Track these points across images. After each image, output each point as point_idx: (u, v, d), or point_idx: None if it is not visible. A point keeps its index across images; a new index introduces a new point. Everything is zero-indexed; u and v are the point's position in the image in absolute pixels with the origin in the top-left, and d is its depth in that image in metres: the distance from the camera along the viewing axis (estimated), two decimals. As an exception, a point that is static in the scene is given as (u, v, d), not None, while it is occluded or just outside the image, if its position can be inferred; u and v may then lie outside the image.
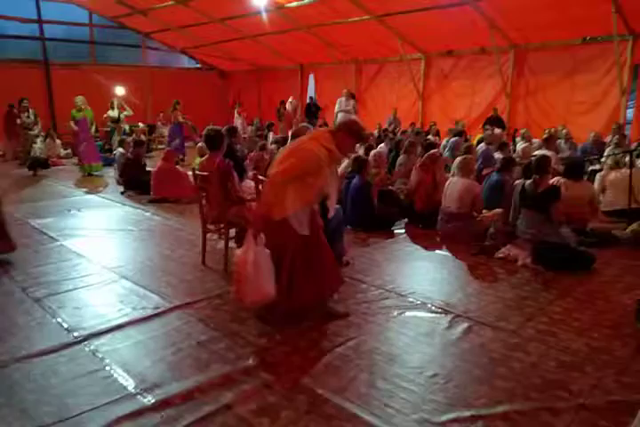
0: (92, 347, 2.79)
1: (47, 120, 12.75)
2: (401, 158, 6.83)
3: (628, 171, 5.31)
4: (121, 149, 8.19)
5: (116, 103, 11.23)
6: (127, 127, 11.58)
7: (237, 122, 13.52)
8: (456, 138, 7.86)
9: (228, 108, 16.39)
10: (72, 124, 9.01)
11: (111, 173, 8.71)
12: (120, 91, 12.17)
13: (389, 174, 6.77)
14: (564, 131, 9.47)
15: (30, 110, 10.43)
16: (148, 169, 7.57)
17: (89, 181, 8.60)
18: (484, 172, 5.83)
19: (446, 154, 7.32)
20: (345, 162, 5.93)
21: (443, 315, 3.19)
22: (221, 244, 4.12)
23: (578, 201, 4.68)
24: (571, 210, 4.53)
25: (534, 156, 6.49)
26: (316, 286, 3.03)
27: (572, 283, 3.78)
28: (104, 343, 2.83)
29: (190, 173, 4.55)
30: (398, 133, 10.52)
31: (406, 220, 5.52)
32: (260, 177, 3.80)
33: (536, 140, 8.75)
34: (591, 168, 6.85)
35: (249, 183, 4.45)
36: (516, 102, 11.23)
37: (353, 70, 13.77)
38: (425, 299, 3.43)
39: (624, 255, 4.38)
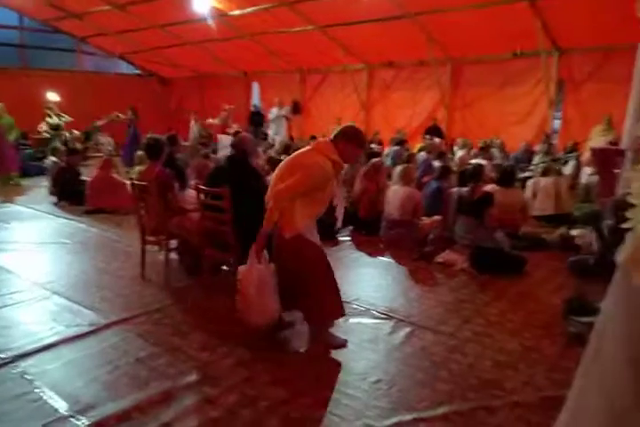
0: (19, 369, 2.61)
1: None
2: (345, 167, 6.92)
3: (556, 178, 5.69)
4: (53, 158, 7.79)
5: (53, 110, 10.75)
6: (67, 134, 11.09)
7: (194, 130, 13.08)
8: (398, 147, 8.08)
9: (169, 116, 16.02)
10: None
11: (44, 183, 8.26)
12: (53, 97, 11.61)
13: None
14: (498, 140, 9.99)
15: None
16: (83, 178, 7.24)
17: (15, 191, 8.10)
18: (424, 179, 6.03)
19: (389, 163, 7.51)
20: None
21: (386, 320, 3.25)
22: (161, 256, 4.00)
23: (510, 207, 4.94)
24: (504, 216, 4.77)
25: (469, 164, 6.80)
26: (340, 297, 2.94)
27: (505, 285, 3.97)
28: (33, 364, 2.66)
29: (128, 182, 4.41)
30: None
31: (351, 227, 5.60)
32: (202, 186, 3.73)
33: (472, 149, 9.17)
34: (522, 175, 7.26)
35: (191, 193, 4.35)
36: (454, 113, 11.73)
37: (297, 79, 13.88)
38: (369, 305, 3.49)
39: (553, 258, 4.65)
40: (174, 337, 3.00)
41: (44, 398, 2.35)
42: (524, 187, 6.29)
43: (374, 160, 6.01)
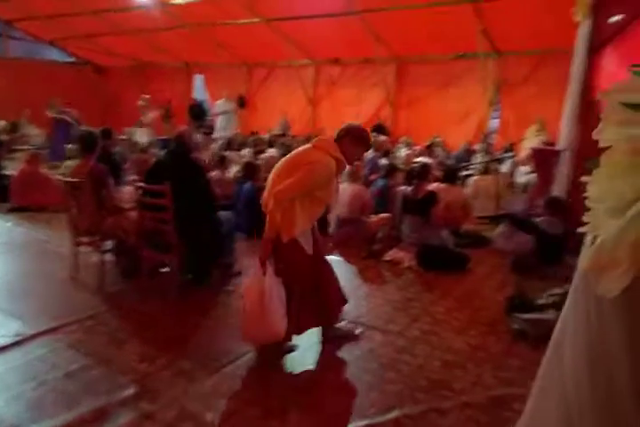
0: None
1: None
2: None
3: (494, 177, 5.86)
4: (-26, 151, 7.14)
5: None
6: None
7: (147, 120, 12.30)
8: (344, 144, 8.04)
9: (104, 107, 15.21)
10: None
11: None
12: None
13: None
14: (439, 139, 10.24)
15: None
16: (7, 173, 6.67)
17: None
18: (372, 177, 6.03)
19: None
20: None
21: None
22: (96, 257, 3.72)
23: (453, 205, 5.03)
24: (447, 214, 4.84)
25: (415, 162, 6.88)
26: (323, 310, 2.77)
27: (451, 283, 4.02)
28: (-56, 383, 2.37)
29: (58, 178, 4.07)
30: (290, 138, 10.57)
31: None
32: (141, 183, 3.50)
33: (417, 148, 9.33)
34: (464, 173, 7.46)
35: (128, 190, 4.09)
36: (399, 111, 11.90)
37: (244, 73, 13.58)
38: (317, 307, 3.41)
39: (494, 255, 4.77)
40: (109, 347, 2.78)
41: (-44, 422, 2.09)
42: (464, 185, 6.45)
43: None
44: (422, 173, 4.47)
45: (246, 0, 9.81)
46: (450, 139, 10.45)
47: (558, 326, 1.24)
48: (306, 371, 2.61)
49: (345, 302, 2.95)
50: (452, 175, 5.26)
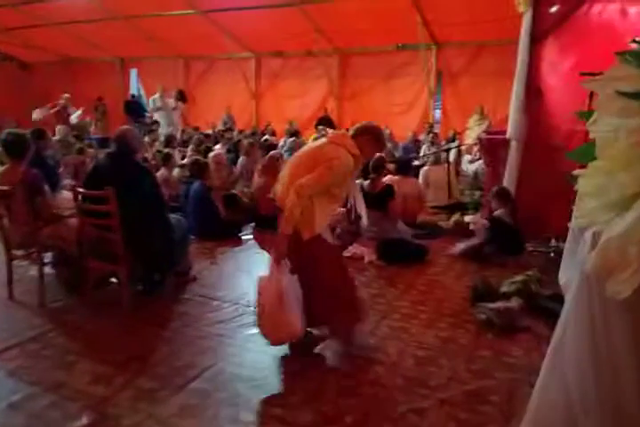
0: None
1: None
2: (242, 160, 6.61)
3: (444, 167, 5.94)
4: None
5: None
6: None
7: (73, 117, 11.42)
8: (294, 138, 7.92)
9: (31, 106, 14.17)
10: None
11: None
12: None
13: (229, 177, 6.49)
14: (387, 131, 10.30)
15: None
16: None
17: None
18: (324, 172, 5.94)
19: (286, 155, 7.31)
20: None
21: (302, 325, 3.06)
22: (34, 271, 3.39)
23: (409, 197, 5.04)
24: (403, 205, 4.84)
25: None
26: (353, 304, 2.73)
27: (412, 276, 4.01)
28: None
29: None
30: (235, 133, 10.28)
31: (253, 224, 5.32)
32: (80, 188, 3.21)
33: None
34: (414, 164, 7.53)
35: (66, 195, 3.76)
36: (343, 103, 11.88)
37: (181, 66, 13.06)
38: (282, 310, 3.28)
39: (450, 244, 4.81)
40: (57, 371, 2.52)
41: None
42: (416, 176, 6.50)
43: (272, 153, 5.76)
44: (378, 167, 4.42)
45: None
46: (395, 130, 10.55)
47: (558, 329, 1.19)
48: (276, 383, 2.48)
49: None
50: (404, 167, 5.27)
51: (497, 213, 4.34)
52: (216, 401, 2.29)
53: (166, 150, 6.89)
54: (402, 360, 2.67)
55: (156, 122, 10.80)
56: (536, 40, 4.29)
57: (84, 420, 2.13)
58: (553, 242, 4.49)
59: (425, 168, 6.37)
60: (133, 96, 13.37)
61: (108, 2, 10.11)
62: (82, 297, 3.37)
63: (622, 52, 1.11)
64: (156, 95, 11.38)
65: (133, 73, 14.07)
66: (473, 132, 9.22)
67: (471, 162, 8.49)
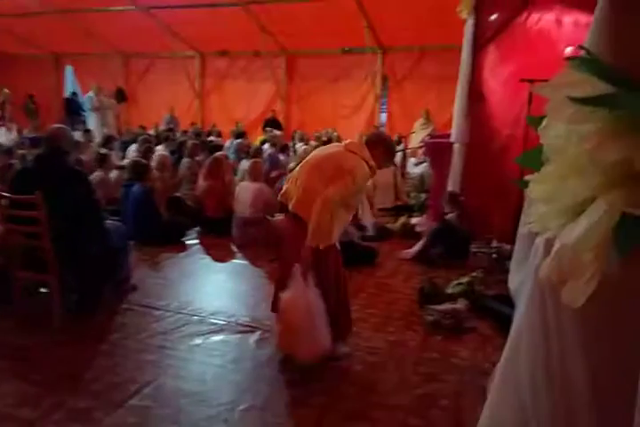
0: None
1: None
2: (185, 161, 6.38)
3: (391, 170, 5.99)
4: None
5: None
6: None
7: None
8: (239, 140, 7.75)
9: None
10: None
11: None
12: None
13: (173, 179, 6.24)
14: (335, 133, 10.34)
15: None
16: None
17: None
18: (272, 174, 5.84)
19: (231, 156, 7.15)
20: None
21: (250, 333, 2.96)
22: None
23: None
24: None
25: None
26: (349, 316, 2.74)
27: (362, 279, 3.99)
28: None
29: None
30: (178, 134, 9.96)
31: (198, 228, 5.15)
32: (4, 193, 2.94)
33: (313, 142, 9.30)
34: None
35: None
36: (291, 105, 11.81)
37: (120, 64, 12.52)
38: (229, 318, 3.15)
39: (398, 247, 4.85)
40: (-24, 395, 2.28)
41: None
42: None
43: (217, 154, 5.62)
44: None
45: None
46: (342, 133, 10.59)
47: (512, 338, 1.17)
48: (223, 393, 2.36)
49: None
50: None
51: (448, 216, 4.41)
52: (157, 419, 2.15)
53: (103, 151, 6.55)
54: (351, 366, 2.63)
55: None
56: (478, 46, 4.41)
57: (7, 448, 1.93)
58: (495, 243, 4.62)
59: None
60: (74, 94, 12.68)
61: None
62: (8, 310, 3.09)
63: (572, 57, 1.10)
64: (91, 93, 10.80)
65: (69, 70, 13.33)
66: (418, 135, 9.41)
67: (416, 165, 8.67)
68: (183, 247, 4.65)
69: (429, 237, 4.41)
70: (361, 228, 4.85)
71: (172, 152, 7.16)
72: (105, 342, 2.79)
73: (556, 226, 1.01)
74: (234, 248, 4.67)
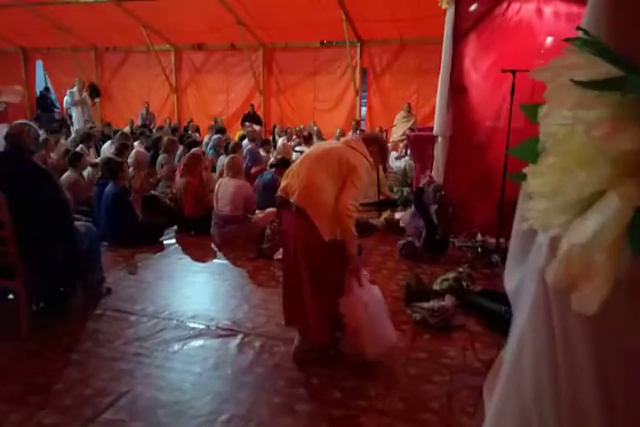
0: None
1: None
2: (161, 158, 6.19)
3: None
4: None
5: None
6: None
7: None
8: (218, 135, 7.57)
9: None
10: None
11: None
12: None
13: (150, 177, 6.05)
14: (315, 127, 10.21)
15: None
16: None
17: None
18: (253, 170, 5.68)
19: (209, 152, 6.97)
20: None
21: (231, 337, 2.82)
22: None
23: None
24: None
25: (297, 152, 6.68)
26: None
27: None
28: None
29: None
30: (154, 130, 9.71)
31: (175, 227, 4.98)
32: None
33: (294, 137, 9.16)
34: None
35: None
36: (270, 99, 11.62)
37: (92, 58, 12.15)
38: (208, 321, 3.01)
39: (383, 242, 4.77)
40: None
41: None
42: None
43: (194, 150, 5.46)
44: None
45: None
46: (322, 127, 10.47)
47: (514, 344, 1.08)
48: (204, 403, 2.23)
49: None
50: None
51: (431, 208, 4.34)
52: (134, 432, 2.02)
53: (78, 148, 6.32)
54: (338, 370, 2.52)
55: (63, 120, 9.91)
56: (458, 37, 4.32)
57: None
58: (479, 237, 4.57)
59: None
60: (47, 89, 12.27)
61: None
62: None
63: (572, 38, 1.00)
64: (74, 89, 10.42)
65: (39, 65, 12.90)
66: (399, 128, 9.33)
67: (397, 158, 8.61)
68: (160, 247, 4.47)
69: (411, 231, 4.36)
70: None
71: (148, 148, 6.95)
72: (75, 352, 2.63)
73: (559, 223, 0.91)
74: (213, 247, 4.52)
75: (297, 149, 7.01)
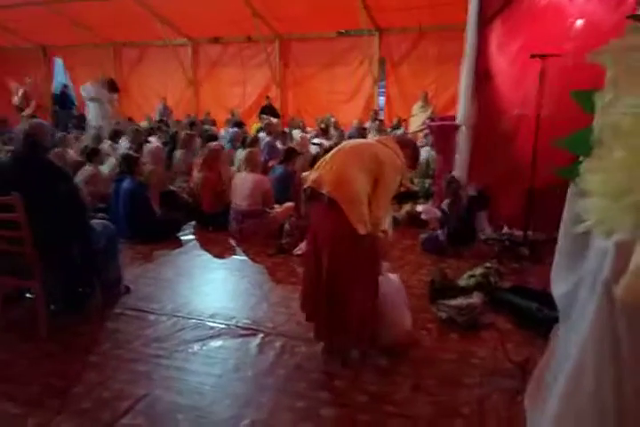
0: None
1: None
2: (179, 153, 6.13)
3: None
4: None
5: None
6: None
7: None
8: (235, 129, 7.48)
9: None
10: None
11: None
12: None
13: (168, 172, 6.00)
14: (332, 119, 10.04)
15: None
16: None
17: None
18: (270, 164, 5.59)
19: (227, 146, 6.89)
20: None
21: (251, 337, 2.74)
22: None
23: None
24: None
25: (314, 144, 6.56)
26: None
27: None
28: None
29: None
30: (171, 124, 9.67)
31: (194, 223, 4.92)
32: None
33: (310, 129, 9.03)
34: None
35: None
36: (287, 91, 11.48)
37: (111, 55, 12.17)
38: (228, 320, 2.94)
39: (404, 236, 4.62)
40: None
41: None
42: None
43: (212, 144, 5.37)
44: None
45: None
46: (340, 118, 10.30)
47: (574, 359, 0.96)
48: (224, 407, 2.16)
49: None
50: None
51: (443, 204, 4.20)
52: (151, 440, 1.95)
53: (107, 145, 6.32)
54: (363, 372, 2.42)
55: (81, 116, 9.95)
56: (484, 22, 4.13)
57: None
58: (506, 229, 4.40)
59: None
60: (65, 86, 12.35)
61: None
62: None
63: (636, 15, 0.86)
64: (88, 84, 10.40)
65: (58, 62, 12.98)
66: (418, 118, 9.11)
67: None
68: (178, 244, 4.42)
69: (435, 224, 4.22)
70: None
71: (165, 143, 6.91)
72: (94, 353, 2.58)
73: (629, 227, 0.79)
74: (232, 243, 4.45)
75: (314, 141, 6.88)
